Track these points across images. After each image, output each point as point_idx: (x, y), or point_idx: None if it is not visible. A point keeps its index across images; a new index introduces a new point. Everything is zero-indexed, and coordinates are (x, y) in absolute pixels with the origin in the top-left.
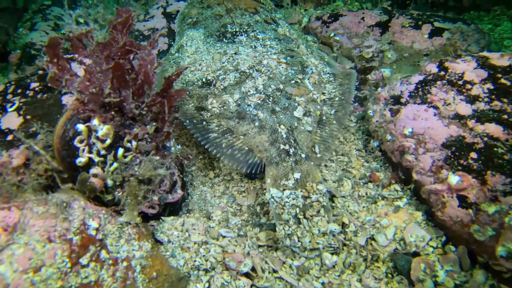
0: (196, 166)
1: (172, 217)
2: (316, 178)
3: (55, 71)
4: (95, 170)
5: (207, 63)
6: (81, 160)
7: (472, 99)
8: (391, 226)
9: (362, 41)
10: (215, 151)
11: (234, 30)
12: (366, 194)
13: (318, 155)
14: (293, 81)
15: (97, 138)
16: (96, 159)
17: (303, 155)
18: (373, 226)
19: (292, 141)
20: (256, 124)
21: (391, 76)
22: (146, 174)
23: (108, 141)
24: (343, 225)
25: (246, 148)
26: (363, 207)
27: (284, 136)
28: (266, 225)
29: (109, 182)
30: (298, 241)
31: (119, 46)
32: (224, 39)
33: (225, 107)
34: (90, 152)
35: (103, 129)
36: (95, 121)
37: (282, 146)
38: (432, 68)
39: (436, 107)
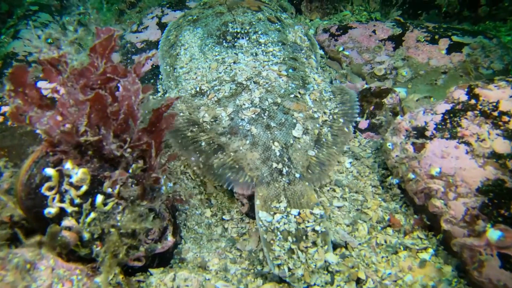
0: (191, 203)
1: (161, 269)
2: (312, 199)
3: (18, 104)
4: (68, 222)
5: (203, 72)
6: (51, 211)
7: (511, 135)
8: (417, 286)
9: (373, 57)
10: (206, 174)
11: (235, 30)
12: (386, 241)
13: (315, 176)
14: (292, 95)
15: (71, 184)
16: (69, 209)
17: (297, 175)
18: (395, 283)
19: (286, 160)
20: (248, 140)
21: (407, 97)
22: (130, 227)
23: (84, 188)
24: (359, 281)
25: (237, 166)
26: (382, 257)
27: (278, 154)
28: (271, 275)
29: (86, 235)
30: (289, 271)
31: (99, 73)
32: (224, 42)
33: (217, 121)
34: (61, 201)
35: (78, 174)
36: (68, 165)
37: (274, 165)
38: (461, 95)
39: (468, 143)
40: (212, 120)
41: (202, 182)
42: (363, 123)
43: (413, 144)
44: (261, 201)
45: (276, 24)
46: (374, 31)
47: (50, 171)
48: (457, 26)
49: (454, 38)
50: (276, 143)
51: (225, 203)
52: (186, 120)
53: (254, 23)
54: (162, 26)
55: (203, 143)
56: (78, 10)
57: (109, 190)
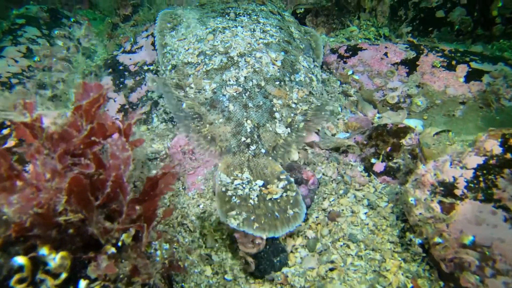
0: (190, 260)
1: None
2: (276, 169)
3: None
4: None
5: (199, 38)
6: None
7: None
8: None
9: (385, 82)
10: (184, 131)
11: (239, 12)
12: None
13: (278, 155)
14: (277, 82)
15: (47, 272)
16: None
17: (262, 150)
18: None
19: (255, 136)
20: (225, 115)
21: (424, 132)
22: None
23: (64, 275)
24: None
25: (209, 137)
26: None
27: (249, 130)
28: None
29: None
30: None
31: (82, 137)
32: (226, 16)
33: (201, 92)
34: None
35: (56, 260)
36: (43, 250)
37: (243, 139)
38: (494, 146)
39: (507, 209)
40: (197, 90)
41: (202, 234)
42: (379, 166)
43: (440, 203)
44: (223, 165)
45: (277, 16)
46: (386, 54)
47: (21, 260)
48: (474, 51)
49: (473, 64)
50: (249, 121)
51: (228, 259)
52: (175, 85)
53: (256, 10)
54: None
55: (184, 105)
56: (69, 21)
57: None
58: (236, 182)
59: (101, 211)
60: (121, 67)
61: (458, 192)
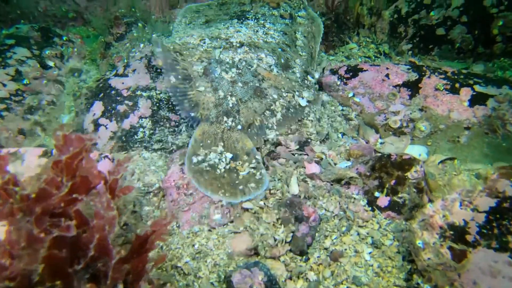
0: None
1: None
2: (247, 145)
3: None
4: None
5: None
6: None
7: None
8: None
9: (387, 105)
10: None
11: (248, 16)
12: None
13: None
14: (270, 66)
15: None
16: None
17: (239, 126)
18: None
19: (235, 112)
20: (213, 86)
21: (428, 160)
22: None
23: None
24: None
25: (194, 101)
26: None
27: (230, 105)
28: None
29: None
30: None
31: (62, 194)
32: (235, 18)
33: (198, 60)
34: None
35: None
36: None
37: (223, 111)
38: (506, 187)
39: None
40: (194, 60)
41: (197, 277)
42: (383, 200)
43: (450, 248)
44: (199, 131)
45: (286, 20)
46: (387, 75)
47: None
48: (477, 72)
49: (477, 87)
50: (233, 97)
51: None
52: (177, 52)
53: (266, 14)
54: (152, 69)
55: (179, 65)
56: (61, 40)
57: None
58: (207, 150)
59: (85, 271)
60: (113, 92)
61: (470, 238)
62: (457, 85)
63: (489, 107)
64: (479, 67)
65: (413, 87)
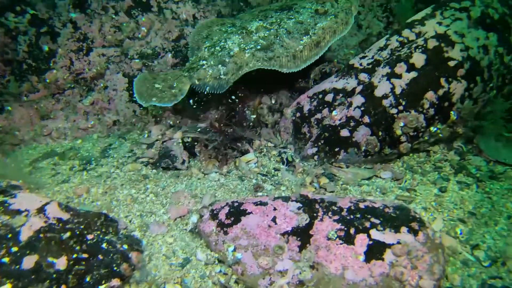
0: None
1: None
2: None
3: None
4: None
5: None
6: None
7: None
8: None
9: (273, 262)
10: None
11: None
12: None
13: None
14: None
15: None
16: None
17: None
18: None
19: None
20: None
21: None
22: None
23: None
24: None
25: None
26: None
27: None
28: None
29: None
30: None
31: None
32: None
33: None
34: None
35: None
36: None
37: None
38: None
39: None
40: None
41: None
42: None
43: None
44: None
45: (315, 14)
46: (274, 219)
47: None
48: (377, 207)
49: (373, 233)
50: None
51: None
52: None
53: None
54: None
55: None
56: None
57: None
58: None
59: None
60: None
61: None
62: (352, 230)
63: (386, 262)
64: (387, 174)
65: (303, 235)
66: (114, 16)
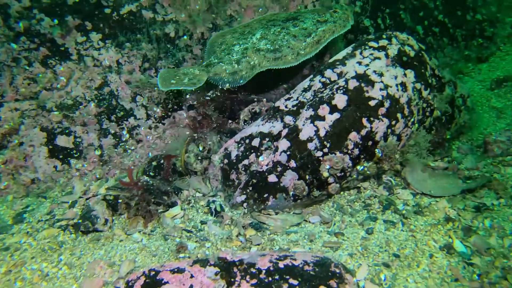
0: None
1: None
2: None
3: None
4: None
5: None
6: None
7: None
8: None
9: None
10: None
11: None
12: None
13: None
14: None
15: None
16: None
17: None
18: None
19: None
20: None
21: None
22: None
23: None
24: None
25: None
26: None
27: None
28: None
29: None
30: None
31: None
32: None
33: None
34: None
35: None
36: None
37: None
38: None
39: None
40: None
41: None
42: None
43: None
44: None
45: (318, 23)
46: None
47: None
48: (297, 265)
49: None
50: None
51: None
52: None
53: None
54: None
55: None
56: None
57: None
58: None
59: None
60: None
61: None
62: None
63: None
64: (315, 218)
65: None
66: (27, 68)
